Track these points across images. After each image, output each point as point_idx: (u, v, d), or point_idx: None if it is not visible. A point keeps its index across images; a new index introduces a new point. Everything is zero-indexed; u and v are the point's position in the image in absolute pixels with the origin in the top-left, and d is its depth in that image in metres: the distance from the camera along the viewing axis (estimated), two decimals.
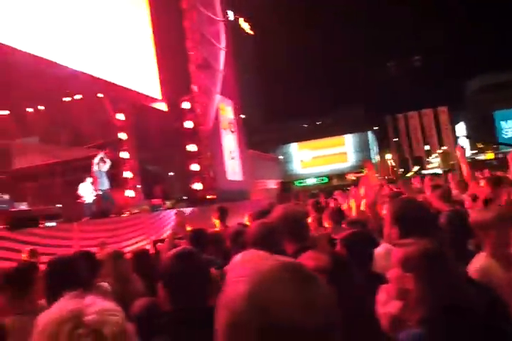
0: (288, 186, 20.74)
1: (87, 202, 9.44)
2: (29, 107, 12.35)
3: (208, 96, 14.54)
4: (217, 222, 5.08)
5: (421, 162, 39.10)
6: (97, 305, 0.84)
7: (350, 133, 42.93)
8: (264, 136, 38.32)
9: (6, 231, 6.19)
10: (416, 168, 38.37)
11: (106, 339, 0.80)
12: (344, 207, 5.19)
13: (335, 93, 45.75)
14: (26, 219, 7.01)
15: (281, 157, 40.92)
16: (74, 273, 2.36)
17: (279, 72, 44.38)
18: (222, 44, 16.23)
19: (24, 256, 5.17)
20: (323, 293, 0.70)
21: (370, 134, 43.50)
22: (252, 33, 25.94)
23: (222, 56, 16.08)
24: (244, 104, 22.13)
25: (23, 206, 9.48)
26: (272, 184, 24.21)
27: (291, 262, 0.74)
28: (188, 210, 9.82)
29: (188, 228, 4.75)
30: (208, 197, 13.08)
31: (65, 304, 0.84)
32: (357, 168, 35.60)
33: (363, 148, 42.62)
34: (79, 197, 9.61)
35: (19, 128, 12.63)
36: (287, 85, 45.16)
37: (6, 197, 9.24)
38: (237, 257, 1.76)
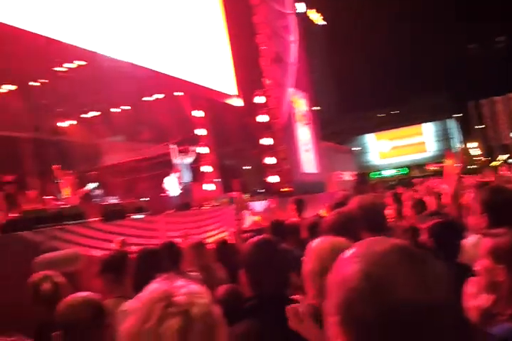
0: (365, 178, 20.27)
1: (172, 195, 9.92)
2: (115, 108, 13.20)
3: (281, 89, 14.59)
4: (294, 213, 5.12)
5: (508, 150, 36.28)
6: (186, 288, 0.90)
7: (430, 121, 40.81)
8: (339, 128, 37.69)
9: (99, 223, 6.65)
10: (503, 157, 35.65)
11: (193, 319, 0.85)
12: (427, 197, 4.99)
13: (412, 80, 43.56)
14: (116, 211, 7.45)
15: (357, 148, 39.98)
16: (158, 262, 2.54)
17: (352, 62, 43.20)
18: (293, 37, 16.16)
19: (114, 246, 5.53)
20: (437, 271, 0.72)
21: (450, 122, 41.06)
22: (323, 23, 25.54)
23: (293, 49, 16.03)
24: (318, 95, 21.89)
25: (114, 200, 10.18)
26: (348, 176, 23.78)
27: (403, 243, 0.76)
28: (265, 203, 9.99)
29: (257, 218, 4.85)
30: (283, 189, 13.16)
31: (158, 286, 0.91)
32: (437, 158, 33.80)
33: (444, 137, 40.37)
34: (164, 190, 10.11)
35: (107, 128, 13.57)
36: (361, 75, 43.85)
37: (100, 191, 10.02)
38: (313, 243, 1.78)
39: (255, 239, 1.88)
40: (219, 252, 3.93)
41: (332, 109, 39.55)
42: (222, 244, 4.14)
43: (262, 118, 13.90)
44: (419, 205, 4.10)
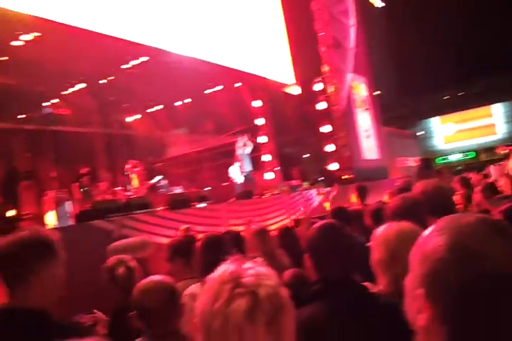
0: (429, 163, 19.42)
1: (238, 182, 10.23)
2: (178, 101, 13.61)
3: (340, 75, 14.30)
4: (356, 200, 5.06)
5: None
6: (254, 269, 0.91)
7: (500, 102, 38.13)
8: (401, 112, 36.34)
9: (165, 212, 6.94)
10: None
11: (261, 299, 0.86)
12: (500, 182, 4.74)
13: (478, 58, 40.78)
14: (181, 201, 7.72)
15: (421, 133, 38.36)
16: (223, 246, 2.63)
17: (412, 43, 41.25)
18: (352, 21, 15.74)
19: (180, 234, 5.75)
20: None
21: None
22: (381, 5, 24.54)
23: (352, 33, 15.62)
24: (379, 79, 21.22)
25: (178, 189, 10.56)
26: (412, 161, 22.97)
27: (488, 216, 0.78)
28: (325, 190, 9.93)
29: (327, 205, 4.84)
30: (344, 177, 12.99)
31: (228, 267, 0.93)
32: (508, 141, 31.64)
33: None
34: (230, 179, 10.41)
35: (171, 121, 14.06)
36: (422, 56, 41.74)
37: (165, 182, 10.45)
38: (379, 230, 1.77)
39: (320, 223, 1.89)
40: (282, 238, 3.96)
41: (392, 93, 38.15)
42: (285, 231, 4.18)
43: (321, 105, 13.75)
44: (490, 189, 3.89)
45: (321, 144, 13.85)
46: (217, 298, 0.87)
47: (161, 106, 13.98)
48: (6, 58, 8.62)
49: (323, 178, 13.04)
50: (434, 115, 40.70)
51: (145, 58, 9.85)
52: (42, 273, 1.43)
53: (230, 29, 10.92)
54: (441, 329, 0.72)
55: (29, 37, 7.90)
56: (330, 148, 13.65)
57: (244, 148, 10.38)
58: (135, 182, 9.83)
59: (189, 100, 13.57)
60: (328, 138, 13.70)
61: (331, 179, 12.36)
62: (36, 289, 1.42)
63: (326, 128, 13.69)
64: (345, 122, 13.97)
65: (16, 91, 10.09)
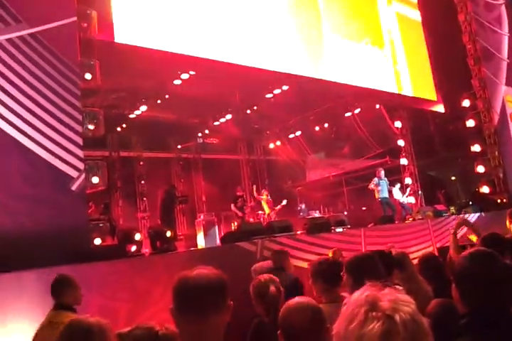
0: None
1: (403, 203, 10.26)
2: (316, 126, 13.90)
3: (492, 89, 13.14)
4: (511, 227, 4.60)
5: None
6: (392, 295, 0.90)
7: None
8: None
9: (304, 235, 7.07)
10: None
11: (396, 324, 0.83)
12: None
13: None
14: (319, 225, 7.76)
15: None
16: (373, 267, 2.60)
17: None
18: (506, 29, 14.42)
19: (330, 256, 5.77)
20: None
21: None
22: None
23: (506, 42, 14.30)
24: None
25: (316, 213, 10.69)
26: None
27: None
28: (475, 216, 9.15)
29: (473, 237, 4.45)
30: (497, 200, 11.72)
31: (365, 290, 0.93)
32: None
33: None
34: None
35: (309, 146, 14.40)
36: None
37: (303, 206, 10.69)
38: None
39: (471, 250, 1.76)
40: (424, 266, 3.77)
41: None
42: (428, 258, 3.96)
43: (470, 122, 12.75)
44: None
45: (469, 165, 12.77)
46: (352, 320, 0.87)
47: (299, 132, 14.41)
48: (167, 96, 9.88)
49: (472, 202, 11.93)
50: None
51: (286, 87, 10.32)
52: (222, 308, 1.45)
53: (367, 48, 10.88)
54: None
55: (186, 76, 8.92)
56: (481, 169, 12.49)
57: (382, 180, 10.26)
58: (265, 208, 10.27)
59: (327, 125, 13.75)
60: (479, 158, 12.57)
61: (483, 203, 11.26)
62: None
63: (476, 148, 12.60)
64: (498, 140, 12.72)
65: (175, 125, 11.44)
